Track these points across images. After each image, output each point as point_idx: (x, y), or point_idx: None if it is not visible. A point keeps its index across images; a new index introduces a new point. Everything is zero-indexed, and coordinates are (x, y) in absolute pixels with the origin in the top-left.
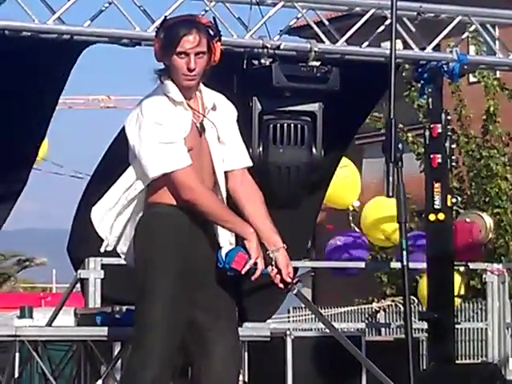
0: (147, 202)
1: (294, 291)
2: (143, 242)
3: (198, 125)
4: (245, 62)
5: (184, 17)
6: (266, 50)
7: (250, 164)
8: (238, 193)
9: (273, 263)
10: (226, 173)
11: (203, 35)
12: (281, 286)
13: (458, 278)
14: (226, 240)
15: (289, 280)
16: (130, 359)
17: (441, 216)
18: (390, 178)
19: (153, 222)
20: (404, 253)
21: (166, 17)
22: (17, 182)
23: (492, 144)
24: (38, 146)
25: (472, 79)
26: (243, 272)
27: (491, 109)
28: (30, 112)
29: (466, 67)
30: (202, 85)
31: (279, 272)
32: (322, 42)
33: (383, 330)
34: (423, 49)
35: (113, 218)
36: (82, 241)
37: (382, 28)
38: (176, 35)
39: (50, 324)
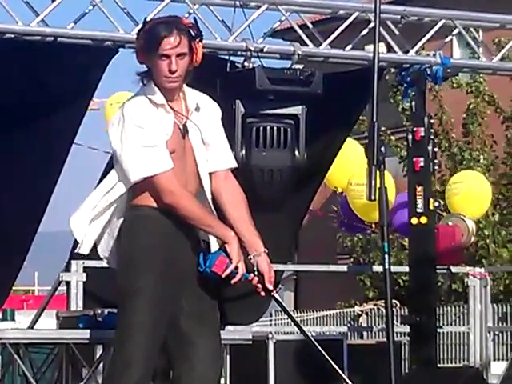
0: (130, 205)
1: (273, 294)
2: (126, 244)
3: (181, 127)
4: (228, 64)
5: (164, 18)
6: (249, 53)
7: (234, 165)
8: (220, 195)
9: (255, 269)
10: (209, 174)
11: (184, 36)
12: (262, 293)
13: None
14: (214, 240)
15: (270, 287)
16: (112, 361)
17: (423, 219)
18: (372, 182)
19: (135, 225)
20: (386, 256)
21: (145, 18)
22: (48, 184)
23: (474, 146)
24: (69, 149)
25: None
26: (224, 276)
27: (471, 106)
28: (61, 114)
29: (449, 70)
30: (185, 86)
31: (260, 278)
32: (306, 44)
33: (365, 333)
34: (406, 52)
35: (88, 220)
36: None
37: (365, 31)
38: (156, 37)
39: (31, 327)
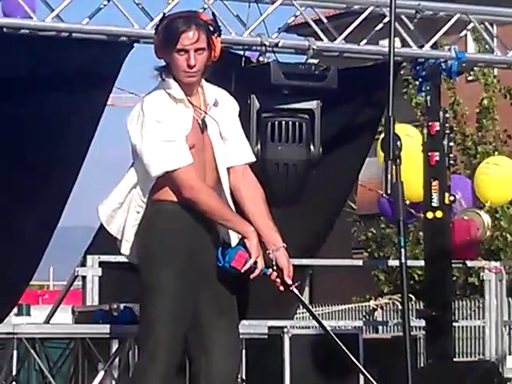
0: (150, 200)
1: (291, 288)
2: (146, 238)
3: (200, 121)
4: (243, 59)
5: (183, 13)
6: (264, 48)
7: (253, 160)
8: (239, 190)
9: (273, 263)
10: (227, 169)
11: (202, 31)
12: (281, 288)
13: None
14: (234, 235)
15: (289, 282)
16: (138, 355)
17: (438, 214)
18: (388, 176)
19: (156, 219)
20: (402, 250)
21: (164, 13)
22: (66, 183)
23: (487, 140)
24: (88, 144)
25: (470, 77)
26: (243, 271)
27: (484, 102)
28: (80, 113)
29: (464, 65)
30: (203, 81)
31: (279, 273)
32: (321, 39)
33: (380, 327)
34: (421, 46)
35: (124, 217)
36: None
37: (380, 26)
38: (175, 32)
39: (47, 321)
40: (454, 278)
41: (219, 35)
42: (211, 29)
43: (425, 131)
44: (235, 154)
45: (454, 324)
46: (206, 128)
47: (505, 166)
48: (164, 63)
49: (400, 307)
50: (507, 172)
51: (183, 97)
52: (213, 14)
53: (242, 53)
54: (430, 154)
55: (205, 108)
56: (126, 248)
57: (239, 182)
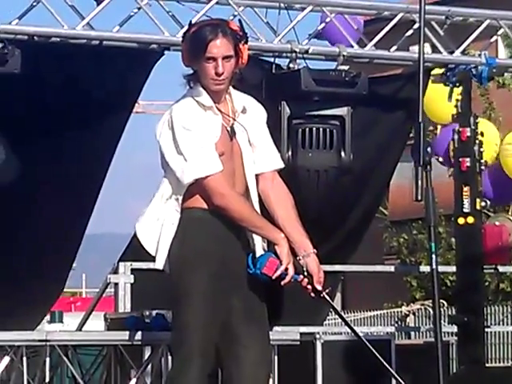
0: (182, 208)
1: (322, 295)
2: (179, 245)
3: (229, 128)
4: (273, 66)
5: (210, 21)
6: (294, 55)
7: (282, 166)
8: (268, 196)
9: (304, 269)
10: (256, 175)
11: (229, 39)
12: (312, 295)
13: None
14: (259, 245)
15: (319, 288)
16: (172, 361)
17: (470, 219)
18: (419, 182)
19: (187, 226)
20: (433, 256)
21: (191, 21)
22: (93, 186)
23: None
24: (114, 151)
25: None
26: (274, 277)
27: None
28: (106, 120)
29: (494, 70)
30: (231, 88)
31: (310, 279)
32: (351, 46)
33: (413, 333)
34: (452, 52)
35: (159, 230)
36: None
37: (410, 32)
38: (203, 40)
39: (80, 328)
40: (486, 284)
41: (246, 43)
42: (238, 37)
43: (455, 137)
44: (264, 160)
45: (486, 329)
46: (235, 135)
47: None
48: (191, 71)
49: (432, 313)
50: None
51: (212, 104)
52: (239, 21)
53: (272, 60)
54: (460, 159)
55: (233, 115)
56: (160, 262)
57: (268, 189)
